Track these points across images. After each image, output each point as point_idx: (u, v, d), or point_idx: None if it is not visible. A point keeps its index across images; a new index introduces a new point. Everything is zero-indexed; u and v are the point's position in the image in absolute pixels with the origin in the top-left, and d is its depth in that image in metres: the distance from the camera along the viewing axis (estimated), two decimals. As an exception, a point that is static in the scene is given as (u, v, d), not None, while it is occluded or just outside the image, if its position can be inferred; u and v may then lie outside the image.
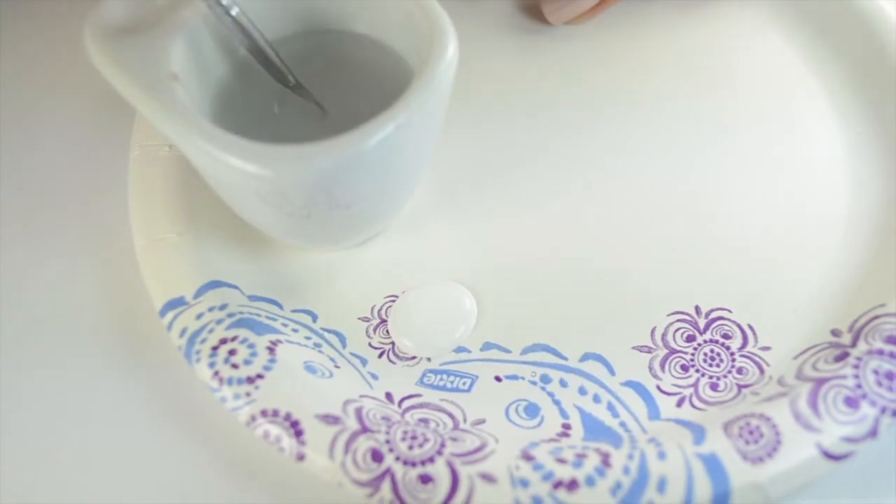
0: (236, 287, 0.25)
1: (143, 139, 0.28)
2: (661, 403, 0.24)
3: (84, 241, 0.28)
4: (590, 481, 0.21)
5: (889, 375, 0.23)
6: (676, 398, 0.25)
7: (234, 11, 0.23)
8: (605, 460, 0.22)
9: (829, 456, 0.22)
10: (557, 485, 0.21)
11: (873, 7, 0.31)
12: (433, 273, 0.27)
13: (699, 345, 0.26)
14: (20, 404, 0.25)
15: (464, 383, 0.25)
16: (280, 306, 0.26)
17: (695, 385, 0.25)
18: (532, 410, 0.24)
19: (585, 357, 0.25)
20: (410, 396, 0.25)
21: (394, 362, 0.25)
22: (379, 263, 0.27)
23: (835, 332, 0.25)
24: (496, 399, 0.25)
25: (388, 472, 0.22)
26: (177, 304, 0.25)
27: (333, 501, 0.23)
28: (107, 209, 0.29)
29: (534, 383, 0.25)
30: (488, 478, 0.22)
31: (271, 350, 0.24)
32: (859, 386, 0.23)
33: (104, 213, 0.29)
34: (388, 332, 0.26)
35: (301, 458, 0.22)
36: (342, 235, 0.27)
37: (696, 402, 0.24)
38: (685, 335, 0.26)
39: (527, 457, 0.22)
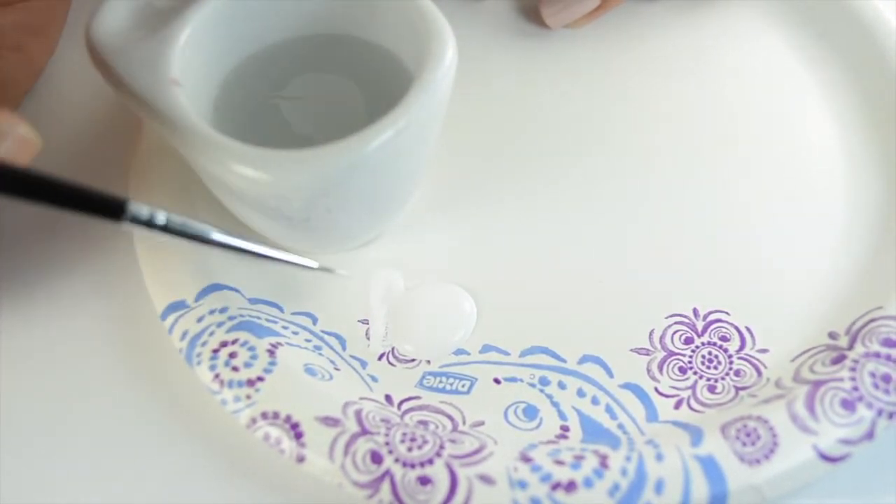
0: (237, 290, 0.26)
1: (146, 142, 0.28)
2: (659, 405, 0.24)
3: (85, 244, 0.28)
4: (588, 483, 0.22)
5: (886, 378, 0.23)
6: (674, 400, 0.25)
7: (160, 220, 0.21)
8: (603, 462, 0.22)
9: (825, 458, 0.22)
10: (555, 486, 0.22)
11: (871, 10, 0.31)
12: (432, 275, 0.27)
13: (697, 347, 0.26)
14: (20, 405, 0.25)
15: (463, 385, 0.25)
16: (280, 309, 0.26)
17: (693, 387, 0.25)
18: (531, 412, 0.24)
19: (584, 359, 0.26)
20: (410, 398, 0.25)
21: (393, 364, 0.26)
22: (378, 266, 0.27)
23: (832, 335, 0.25)
24: (495, 401, 0.25)
25: (387, 473, 0.22)
26: (178, 307, 0.25)
27: (333, 503, 0.23)
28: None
29: (532, 385, 0.25)
30: (487, 479, 0.22)
31: (271, 353, 0.24)
32: (856, 388, 0.23)
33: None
34: (388, 334, 0.26)
35: (301, 459, 0.22)
36: (341, 238, 0.27)
37: (693, 404, 0.24)
38: (683, 337, 0.26)
39: (525, 458, 0.22)
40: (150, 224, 0.20)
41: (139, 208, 0.20)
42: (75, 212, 0.19)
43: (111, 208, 0.19)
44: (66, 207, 0.19)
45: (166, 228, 0.20)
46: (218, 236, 0.22)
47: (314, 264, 0.24)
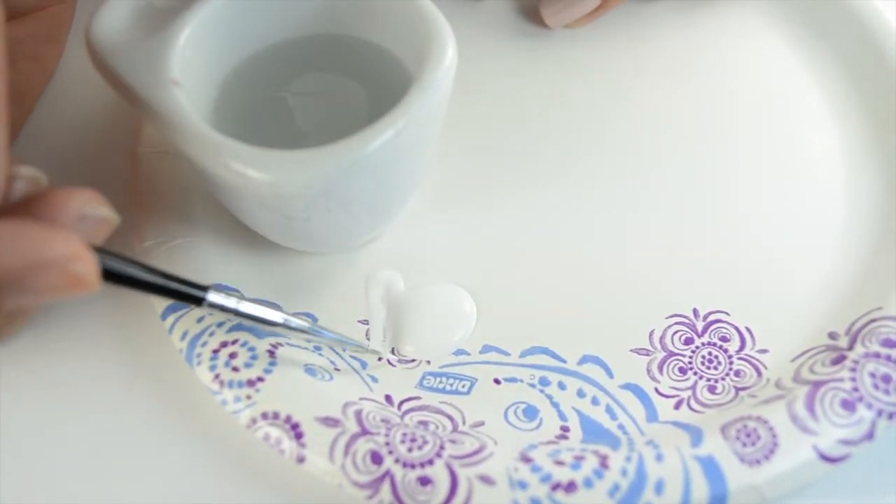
0: (237, 290, 0.26)
1: (146, 142, 0.28)
2: (659, 406, 0.24)
3: (86, 244, 0.28)
4: (588, 483, 0.22)
5: (885, 378, 0.23)
6: (674, 401, 0.25)
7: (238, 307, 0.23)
8: (603, 462, 0.22)
9: (825, 458, 0.22)
10: (556, 487, 0.22)
11: (871, 10, 0.31)
12: (432, 276, 0.27)
13: (697, 347, 0.26)
14: (20, 405, 0.25)
15: (463, 386, 0.25)
16: (280, 309, 0.26)
17: (693, 388, 0.25)
18: (531, 413, 0.24)
19: (584, 360, 0.26)
20: (410, 399, 0.25)
21: (393, 365, 0.26)
22: (378, 266, 0.27)
23: (832, 335, 0.25)
24: (495, 401, 0.25)
25: (387, 474, 0.22)
26: (178, 307, 0.25)
27: (333, 503, 0.23)
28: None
29: (532, 386, 0.25)
30: (487, 480, 0.22)
31: (272, 353, 0.24)
32: (856, 389, 0.23)
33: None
34: (388, 334, 0.26)
35: (301, 460, 0.22)
36: (341, 239, 0.27)
37: (693, 404, 0.24)
38: (683, 338, 0.26)
39: (525, 459, 0.22)
40: (224, 309, 0.22)
41: (216, 298, 0.22)
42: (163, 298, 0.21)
43: (193, 298, 0.22)
44: (156, 295, 0.21)
45: (238, 313, 0.23)
46: (284, 321, 0.23)
47: (370, 347, 0.26)
